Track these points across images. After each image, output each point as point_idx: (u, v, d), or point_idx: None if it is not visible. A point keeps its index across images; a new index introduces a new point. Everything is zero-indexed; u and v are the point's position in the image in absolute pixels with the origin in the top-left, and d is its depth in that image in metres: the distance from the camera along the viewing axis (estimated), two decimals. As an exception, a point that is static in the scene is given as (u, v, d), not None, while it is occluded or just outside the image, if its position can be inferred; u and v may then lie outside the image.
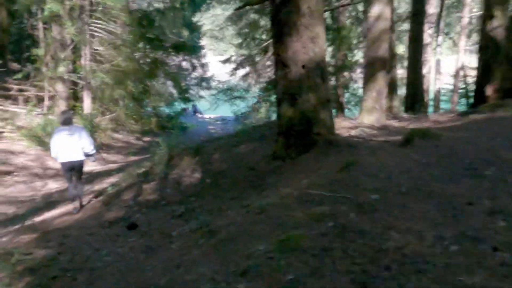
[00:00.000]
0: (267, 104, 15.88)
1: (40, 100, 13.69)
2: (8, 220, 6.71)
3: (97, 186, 8.45)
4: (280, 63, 5.35)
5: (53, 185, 9.30)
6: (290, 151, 5.31)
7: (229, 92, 16.53)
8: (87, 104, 13.62)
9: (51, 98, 13.65)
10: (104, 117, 14.54)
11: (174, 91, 22.53)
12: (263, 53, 16.95)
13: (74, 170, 5.82)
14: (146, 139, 16.23)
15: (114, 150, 13.62)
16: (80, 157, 5.78)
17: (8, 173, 9.40)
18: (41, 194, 8.58)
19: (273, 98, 17.41)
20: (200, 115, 27.79)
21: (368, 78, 7.66)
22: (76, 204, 5.89)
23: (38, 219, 6.22)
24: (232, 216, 3.82)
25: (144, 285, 2.98)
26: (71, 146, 5.60)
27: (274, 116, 17.55)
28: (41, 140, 11.33)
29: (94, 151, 6.02)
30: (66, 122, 5.72)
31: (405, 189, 3.24)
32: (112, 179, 8.91)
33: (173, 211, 5.09)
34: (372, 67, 7.54)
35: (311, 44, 5.19)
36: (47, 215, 6.37)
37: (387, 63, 7.90)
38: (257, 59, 17.78)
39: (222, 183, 5.59)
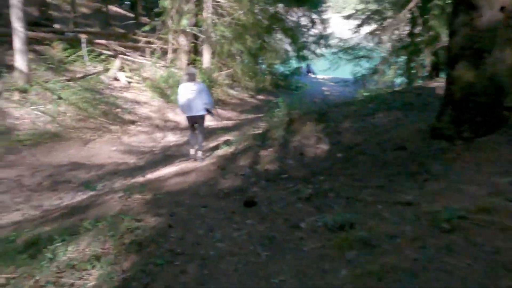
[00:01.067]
0: (395, 66, 13.68)
1: (164, 52, 13.86)
2: (128, 171, 6.60)
3: (212, 143, 7.99)
4: (464, 5, 3.70)
5: (172, 138, 9.20)
6: (463, 130, 3.77)
7: (351, 51, 14.64)
8: (206, 58, 13.34)
9: (174, 51, 13.69)
10: (221, 72, 14.20)
11: (289, 49, 21.35)
12: (396, 8, 14.44)
13: (196, 124, 6.08)
14: (260, 97, 15.61)
15: (229, 107, 13.26)
16: (201, 112, 5.92)
17: (133, 122, 9.58)
18: (160, 146, 8.50)
19: (400, 59, 15.03)
20: (313, 75, 26.33)
21: None
22: (198, 154, 6.16)
23: (154, 174, 5.90)
24: (391, 219, 2.63)
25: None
26: (193, 102, 5.78)
27: (400, 80, 15.24)
28: (163, 92, 11.40)
29: (213, 108, 6.15)
30: (191, 78, 5.88)
31: None
32: (227, 137, 8.37)
33: (298, 190, 4.08)
34: None
35: (521, -25, 3.42)
36: (163, 171, 6.01)
37: None
38: (387, 14, 15.34)
39: (359, 161, 4.36)
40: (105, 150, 7.62)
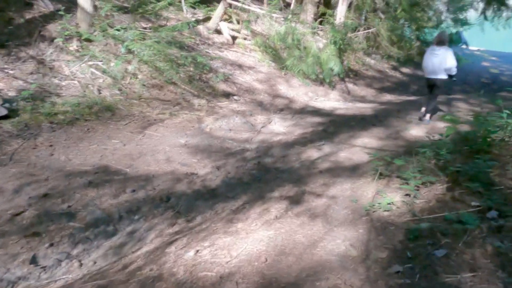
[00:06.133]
0: None
1: (287, 4, 9.96)
2: (187, 200, 3.23)
3: (345, 153, 4.12)
4: None
5: (278, 127, 5.53)
6: None
7: None
8: (341, 11, 9.01)
9: (299, 0, 9.69)
10: (357, 32, 9.74)
11: (444, 9, 15.38)
12: None
13: (433, 86, 5.59)
14: (405, 70, 10.76)
15: (363, 81, 8.91)
16: (436, 76, 5.38)
17: (227, 95, 6.16)
18: (257, 141, 4.91)
19: None
20: (465, 46, 19.58)
21: None
22: (425, 117, 5.69)
23: (218, 247, 2.37)
24: None
25: None
26: (433, 65, 5.34)
27: None
28: (277, 54, 7.65)
29: (455, 73, 5.33)
30: (438, 42, 5.38)
31: None
32: (370, 144, 4.36)
33: None
34: None
35: None
36: (241, 240, 2.43)
37: None
38: None
39: None
40: (169, 142, 4.36)
